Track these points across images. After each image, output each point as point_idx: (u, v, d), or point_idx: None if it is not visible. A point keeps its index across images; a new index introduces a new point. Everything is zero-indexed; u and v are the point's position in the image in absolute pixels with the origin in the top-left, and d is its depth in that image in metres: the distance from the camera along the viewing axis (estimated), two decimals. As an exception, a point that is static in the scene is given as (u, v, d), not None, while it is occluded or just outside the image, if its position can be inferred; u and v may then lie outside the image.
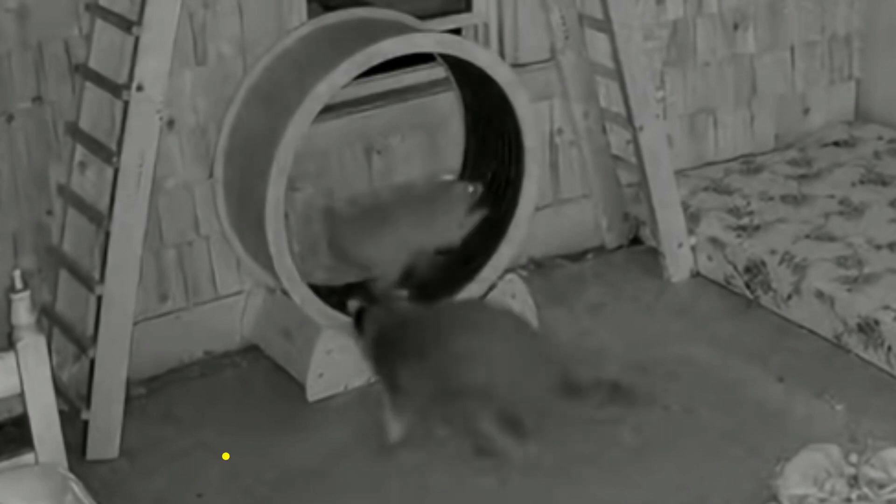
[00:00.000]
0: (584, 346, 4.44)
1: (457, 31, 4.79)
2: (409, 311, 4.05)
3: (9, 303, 3.21)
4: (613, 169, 5.12)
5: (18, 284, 3.21)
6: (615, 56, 4.71)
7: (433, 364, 3.80)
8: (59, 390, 3.59)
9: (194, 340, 4.53)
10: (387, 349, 3.95)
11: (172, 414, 4.27)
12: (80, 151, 4.10)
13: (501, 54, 4.86)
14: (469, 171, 4.74)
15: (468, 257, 4.58)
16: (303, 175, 4.51)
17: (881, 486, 3.47)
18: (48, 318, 4.17)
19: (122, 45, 3.98)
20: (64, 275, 4.16)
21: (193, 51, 4.30)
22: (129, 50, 3.86)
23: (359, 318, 4.06)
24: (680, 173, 5.13)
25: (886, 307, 4.29)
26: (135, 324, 4.05)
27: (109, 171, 3.94)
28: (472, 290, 4.50)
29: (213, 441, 4.06)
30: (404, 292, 4.26)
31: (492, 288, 4.54)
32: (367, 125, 4.65)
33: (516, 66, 4.81)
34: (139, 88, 3.81)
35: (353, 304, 4.10)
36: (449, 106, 4.74)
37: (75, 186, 4.12)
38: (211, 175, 4.37)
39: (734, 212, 4.98)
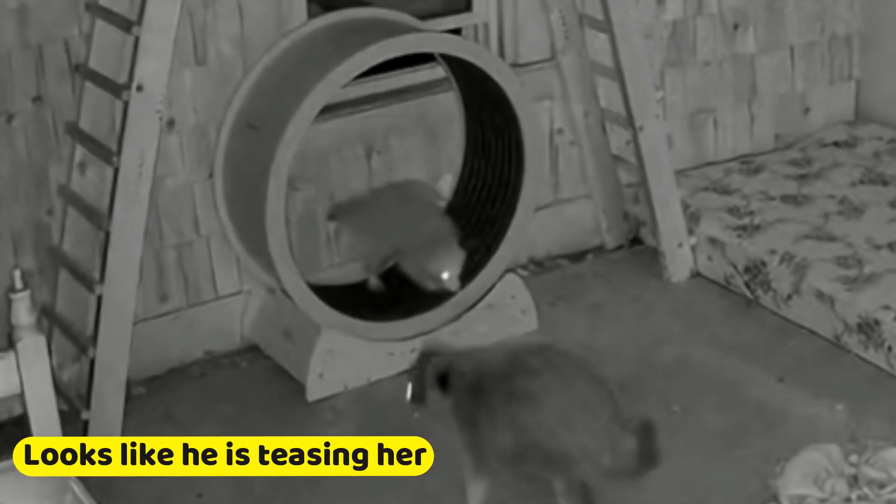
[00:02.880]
0: (585, 346, 4.43)
1: (457, 31, 4.79)
2: (494, 362, 3.63)
3: (9, 303, 3.21)
4: (613, 169, 5.12)
5: (18, 284, 3.21)
6: (615, 56, 4.71)
7: (519, 424, 3.48)
8: (59, 390, 3.59)
9: (194, 340, 4.53)
10: (472, 405, 3.59)
11: (172, 414, 4.27)
12: (80, 151, 4.10)
13: (501, 54, 4.87)
14: (469, 171, 4.74)
15: (467, 257, 4.58)
16: (303, 175, 4.51)
17: (881, 486, 3.47)
18: (48, 318, 4.17)
19: (122, 45, 3.98)
20: (64, 275, 4.16)
21: (193, 51, 4.30)
22: (129, 50, 3.86)
23: (443, 380, 3.65)
24: (680, 173, 5.13)
25: (886, 307, 4.29)
26: (135, 324, 4.05)
27: (109, 171, 3.94)
28: (471, 290, 4.50)
29: (213, 441, 4.07)
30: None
31: (492, 288, 4.55)
32: (367, 125, 4.65)
33: (516, 66, 4.82)
34: (139, 88, 3.81)
35: (432, 368, 3.68)
36: (449, 106, 4.74)
37: (75, 186, 4.12)
38: (211, 175, 4.37)
39: (734, 212, 4.99)
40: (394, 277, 4.49)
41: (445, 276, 4.29)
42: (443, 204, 4.67)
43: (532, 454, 3.47)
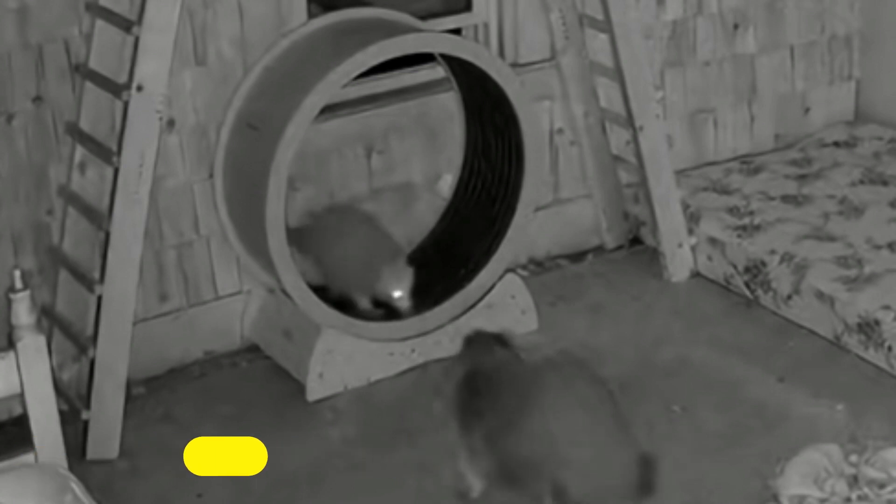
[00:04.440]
0: (585, 346, 4.43)
1: (457, 31, 4.80)
2: (509, 364, 3.65)
3: (9, 303, 3.21)
4: (613, 169, 5.12)
5: (18, 284, 3.22)
6: (615, 56, 4.71)
7: (519, 434, 3.46)
8: (59, 390, 3.60)
9: (194, 340, 4.53)
10: (472, 398, 3.62)
11: (172, 414, 4.27)
12: (80, 151, 4.10)
13: (501, 54, 4.87)
14: (469, 171, 4.74)
15: (467, 257, 4.59)
16: (303, 175, 4.51)
17: (881, 486, 3.47)
18: (48, 318, 4.17)
19: (122, 45, 3.98)
20: (64, 275, 4.16)
21: (193, 51, 4.30)
22: (129, 50, 3.86)
23: (469, 342, 3.76)
24: (680, 173, 5.13)
25: (886, 307, 4.29)
26: (135, 324, 4.05)
27: (109, 171, 3.95)
28: (471, 290, 4.51)
29: (212, 441, 4.07)
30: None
31: (492, 288, 4.55)
32: (367, 125, 4.65)
33: (516, 66, 4.82)
34: (139, 88, 3.82)
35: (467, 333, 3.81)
36: (449, 106, 4.74)
37: (75, 186, 4.12)
38: (211, 175, 4.37)
39: (734, 212, 4.99)
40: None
41: (397, 294, 4.34)
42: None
43: (532, 469, 3.46)
